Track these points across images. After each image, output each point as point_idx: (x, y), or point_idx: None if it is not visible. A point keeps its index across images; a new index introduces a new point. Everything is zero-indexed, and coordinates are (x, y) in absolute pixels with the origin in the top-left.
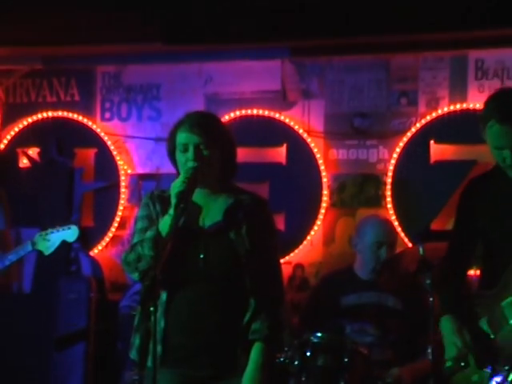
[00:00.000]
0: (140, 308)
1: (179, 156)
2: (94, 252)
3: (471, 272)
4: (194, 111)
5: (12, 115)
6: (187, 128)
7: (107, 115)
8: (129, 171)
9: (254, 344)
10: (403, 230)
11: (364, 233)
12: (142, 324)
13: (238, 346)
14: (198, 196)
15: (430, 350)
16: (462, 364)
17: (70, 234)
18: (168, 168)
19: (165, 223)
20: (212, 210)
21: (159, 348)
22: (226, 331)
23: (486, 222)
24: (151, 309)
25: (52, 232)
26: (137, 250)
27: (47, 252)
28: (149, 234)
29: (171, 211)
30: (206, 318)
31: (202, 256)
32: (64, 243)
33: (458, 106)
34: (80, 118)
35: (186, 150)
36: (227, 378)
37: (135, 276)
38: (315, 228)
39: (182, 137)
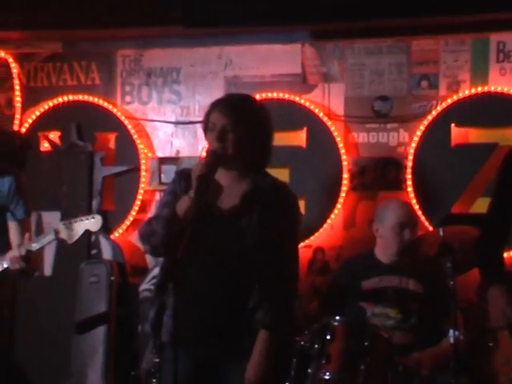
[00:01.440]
0: (157, 282)
1: (209, 135)
2: (115, 236)
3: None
4: (233, 93)
5: (33, 99)
6: (220, 108)
7: (128, 99)
8: (149, 155)
9: (259, 332)
10: (424, 214)
11: (385, 216)
12: (157, 298)
13: (242, 330)
14: (223, 177)
15: (451, 334)
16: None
17: (94, 223)
18: (188, 151)
19: (182, 204)
20: (233, 194)
21: (170, 322)
22: (231, 315)
23: None
24: (173, 292)
25: (76, 221)
26: (152, 225)
27: (70, 241)
28: (165, 211)
29: (191, 193)
30: (212, 301)
31: (211, 239)
32: (86, 232)
33: (480, 89)
34: (100, 101)
35: (214, 129)
36: (236, 360)
37: (147, 248)
38: (335, 212)
39: (213, 116)
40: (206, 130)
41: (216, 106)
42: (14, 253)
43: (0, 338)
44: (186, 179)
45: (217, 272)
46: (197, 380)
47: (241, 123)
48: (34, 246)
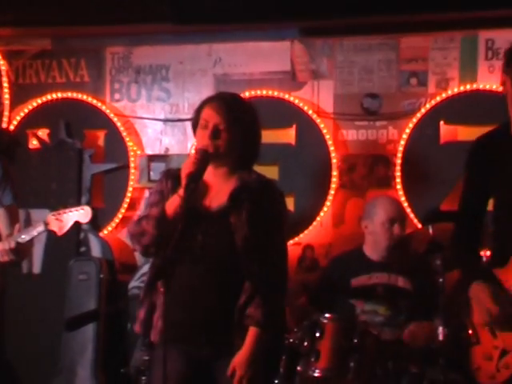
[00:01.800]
0: (145, 283)
1: (199, 131)
2: (104, 233)
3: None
4: (224, 92)
5: (21, 96)
6: (212, 106)
7: (117, 96)
8: (138, 152)
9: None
10: (413, 211)
11: (374, 212)
12: (147, 297)
13: (233, 327)
14: (210, 174)
15: (440, 331)
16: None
17: (83, 214)
18: (177, 149)
19: (172, 203)
20: (220, 191)
21: (160, 323)
22: (221, 312)
23: (497, 183)
24: (161, 289)
25: (65, 212)
26: (141, 225)
27: (60, 232)
28: (154, 211)
29: (181, 192)
30: (202, 298)
31: (200, 238)
32: (76, 224)
33: (468, 87)
34: (89, 99)
35: (206, 126)
36: (226, 357)
37: (137, 248)
38: (325, 209)
39: (205, 113)
40: (195, 127)
41: (207, 103)
42: (4, 245)
43: None
44: (173, 179)
45: (207, 270)
46: (188, 378)
47: (233, 122)
48: (24, 238)
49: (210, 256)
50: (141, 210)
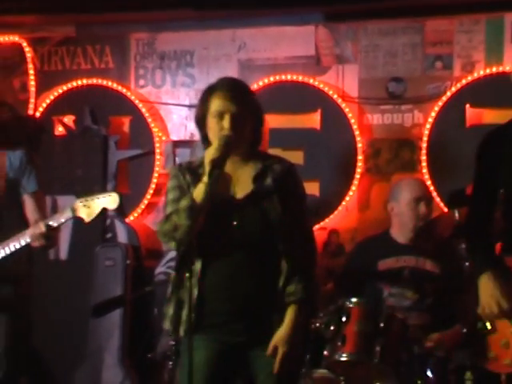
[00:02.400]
0: (173, 277)
1: (212, 123)
2: (130, 219)
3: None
4: (227, 78)
5: (47, 83)
6: (224, 95)
7: (141, 82)
8: (163, 138)
9: (288, 307)
10: (439, 195)
11: (400, 193)
12: (175, 293)
13: (273, 311)
14: (227, 164)
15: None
16: (489, 328)
17: (111, 200)
18: None
19: (199, 191)
20: (242, 178)
21: (193, 316)
22: (261, 297)
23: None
24: (187, 275)
25: (93, 199)
26: (172, 220)
27: (88, 219)
28: (183, 203)
29: (205, 178)
30: (241, 285)
31: (236, 225)
32: (104, 210)
33: (494, 70)
34: (114, 85)
35: (221, 117)
36: (262, 343)
37: (172, 245)
38: (350, 194)
39: (217, 104)
40: (202, 117)
41: (215, 92)
42: (35, 230)
43: (17, 315)
44: (190, 171)
45: (244, 257)
46: (223, 367)
47: (247, 110)
48: (52, 224)
49: (246, 243)
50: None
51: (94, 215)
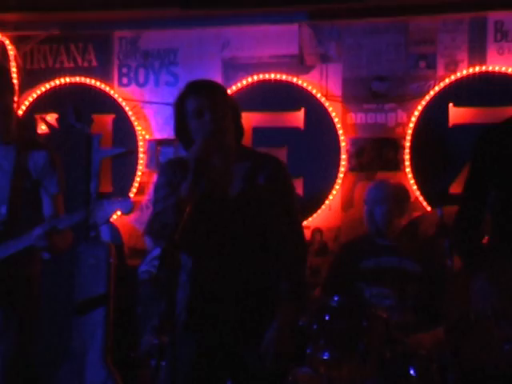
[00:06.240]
0: (161, 275)
1: (194, 123)
2: (113, 218)
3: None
4: (193, 80)
5: (30, 81)
6: (196, 93)
7: (125, 80)
8: (147, 137)
9: (279, 306)
10: (422, 194)
11: (366, 196)
12: (164, 291)
13: (263, 308)
14: (217, 162)
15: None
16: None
17: (125, 205)
18: None
19: (184, 188)
20: (232, 176)
21: (184, 313)
22: (251, 294)
23: (502, 173)
24: (172, 273)
25: (107, 202)
26: (161, 219)
27: (101, 222)
28: (170, 200)
29: (190, 176)
30: (231, 283)
31: (227, 223)
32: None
33: (477, 69)
34: (97, 83)
35: (200, 114)
36: (252, 341)
37: (161, 243)
38: (334, 192)
39: (192, 103)
40: (181, 122)
41: (189, 93)
42: (40, 230)
43: (29, 314)
44: (179, 168)
45: (236, 255)
46: (212, 364)
47: (223, 102)
48: (62, 224)
49: (237, 242)
50: (150, 194)
51: (106, 218)
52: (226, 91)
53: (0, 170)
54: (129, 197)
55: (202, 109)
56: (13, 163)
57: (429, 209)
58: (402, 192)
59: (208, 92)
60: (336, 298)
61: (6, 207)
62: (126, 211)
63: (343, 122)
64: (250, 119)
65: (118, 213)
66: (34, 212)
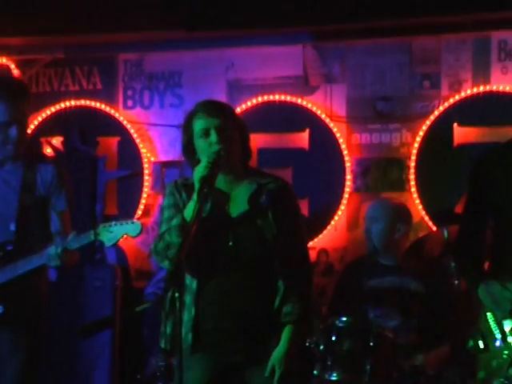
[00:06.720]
0: (169, 296)
1: (200, 143)
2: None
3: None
4: (203, 100)
5: (35, 104)
6: (204, 113)
7: (129, 103)
8: (152, 159)
9: (285, 327)
10: (427, 214)
11: (365, 213)
12: (172, 313)
13: (269, 330)
14: (222, 183)
15: None
16: (482, 347)
17: (133, 228)
18: None
19: (189, 209)
20: (237, 197)
21: (190, 336)
22: (257, 317)
23: (501, 197)
24: (176, 294)
25: (115, 224)
26: (165, 239)
27: (109, 243)
28: (175, 221)
29: (195, 196)
30: (237, 305)
31: (231, 244)
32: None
33: (482, 89)
34: (103, 106)
35: (207, 134)
36: (259, 363)
37: (165, 264)
38: (339, 213)
39: (200, 123)
40: (189, 142)
41: (197, 113)
42: (52, 250)
43: (37, 332)
44: (185, 189)
45: (239, 277)
46: None
47: (231, 122)
48: (72, 245)
49: (242, 263)
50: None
51: (114, 241)
52: (234, 112)
53: (8, 187)
54: (137, 220)
55: (208, 129)
56: (20, 180)
57: (434, 228)
58: (401, 211)
59: (216, 113)
60: (343, 319)
61: (14, 225)
62: (134, 234)
63: (348, 143)
64: (255, 140)
65: (133, 235)
66: (41, 229)
